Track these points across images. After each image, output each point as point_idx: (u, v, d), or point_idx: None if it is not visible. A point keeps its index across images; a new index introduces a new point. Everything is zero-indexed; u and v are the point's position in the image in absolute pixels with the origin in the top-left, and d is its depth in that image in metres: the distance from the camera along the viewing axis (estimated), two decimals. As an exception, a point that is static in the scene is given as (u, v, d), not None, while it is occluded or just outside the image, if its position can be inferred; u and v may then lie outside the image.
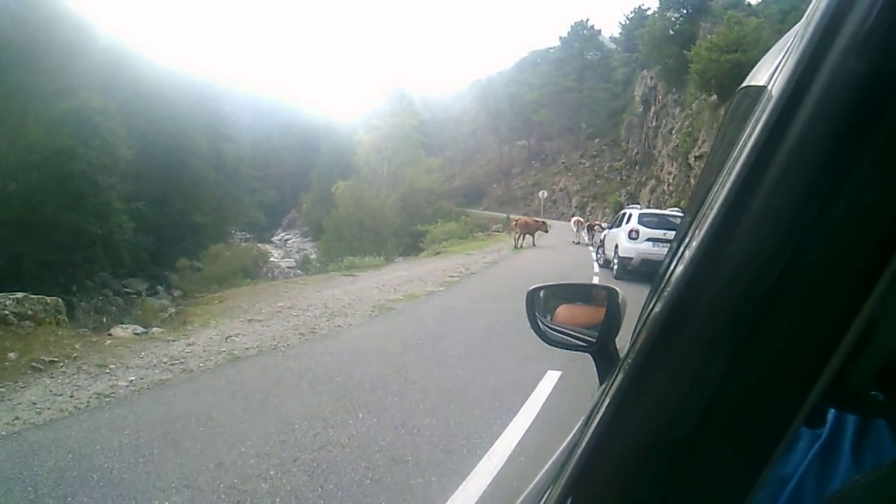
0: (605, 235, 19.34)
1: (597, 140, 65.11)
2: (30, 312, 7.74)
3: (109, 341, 7.79)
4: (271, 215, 75.73)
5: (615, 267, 15.98)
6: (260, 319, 9.44)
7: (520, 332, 8.30)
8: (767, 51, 0.57)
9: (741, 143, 0.40)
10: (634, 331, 0.49)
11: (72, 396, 5.64)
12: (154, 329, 9.21)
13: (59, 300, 8.49)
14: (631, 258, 15.01)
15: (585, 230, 28.08)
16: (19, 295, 7.89)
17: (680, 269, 0.41)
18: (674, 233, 0.63)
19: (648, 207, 19.61)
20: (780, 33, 0.59)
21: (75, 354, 6.99)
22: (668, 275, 0.44)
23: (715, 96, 31.43)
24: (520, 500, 0.83)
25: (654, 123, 46.79)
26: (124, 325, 9.47)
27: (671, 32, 42.54)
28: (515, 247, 24.97)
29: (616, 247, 16.03)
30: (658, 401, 0.41)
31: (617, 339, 1.19)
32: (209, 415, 5.07)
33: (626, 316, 1.18)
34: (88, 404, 5.41)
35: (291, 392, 5.76)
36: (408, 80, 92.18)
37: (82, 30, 35.46)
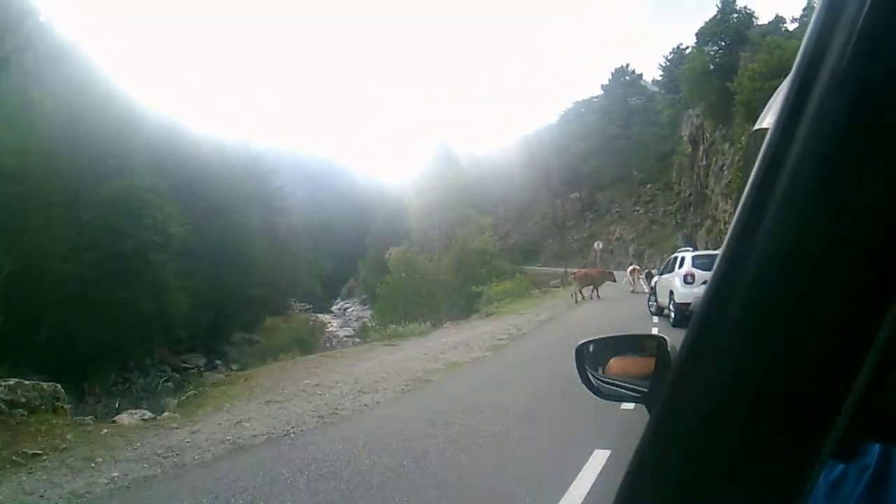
0: (655, 282, 18.57)
1: (648, 185, 63.88)
2: (23, 400, 7.21)
3: (106, 430, 7.18)
4: (330, 285, 76.28)
5: (672, 314, 15.17)
6: (279, 400, 8.71)
7: (566, 400, 7.56)
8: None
9: (748, 185, 0.41)
10: None
11: (42, 496, 5.10)
12: (166, 414, 8.63)
13: (57, 385, 7.95)
14: (689, 304, 14.14)
15: (644, 277, 27.08)
16: (12, 381, 7.41)
17: (701, 305, 0.42)
18: None
19: (699, 249, 18.61)
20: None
21: (64, 446, 6.40)
22: None
23: (764, 126, 30.20)
24: None
25: (704, 162, 45.55)
26: (133, 411, 8.92)
27: (711, 67, 41.78)
28: (575, 301, 24.21)
29: (671, 293, 15.29)
30: (684, 443, 0.42)
31: None
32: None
33: None
34: (55, 506, 4.80)
35: (284, 492, 5.02)
36: (455, 141, 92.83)
37: (133, 111, 36.73)
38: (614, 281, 25.91)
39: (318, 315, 56.04)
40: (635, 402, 1.22)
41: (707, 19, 45.05)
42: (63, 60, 32.70)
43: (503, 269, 40.32)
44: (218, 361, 33.34)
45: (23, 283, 24.17)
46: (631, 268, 28.66)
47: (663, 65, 62.70)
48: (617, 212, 64.19)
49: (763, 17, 44.68)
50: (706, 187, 44.24)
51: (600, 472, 5.14)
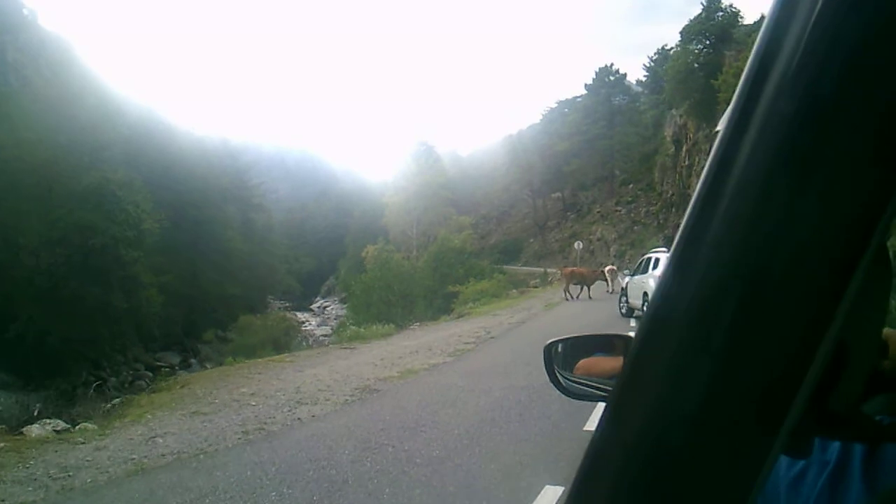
0: (627, 283, 18.28)
1: (631, 186, 63.67)
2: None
3: (3, 444, 6.61)
4: (310, 283, 75.88)
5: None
6: (206, 412, 8.05)
7: (522, 420, 7.04)
8: None
9: (699, 183, 0.41)
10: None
11: None
12: (84, 425, 8.07)
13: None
14: None
15: (621, 278, 26.91)
16: None
17: (653, 300, 0.43)
18: None
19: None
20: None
21: (-55, 465, 5.78)
22: None
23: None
24: None
25: (686, 162, 45.57)
26: (47, 421, 8.37)
27: (696, 65, 41.68)
28: (566, 299, 24.22)
29: (644, 294, 15.04)
30: (635, 430, 0.42)
31: None
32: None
33: None
34: None
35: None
36: (437, 140, 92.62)
37: (108, 104, 36.13)
38: (605, 281, 25.61)
39: (297, 313, 55.74)
40: (602, 402, 1.03)
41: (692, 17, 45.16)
42: (45, 53, 32.19)
43: (481, 268, 40.02)
44: (193, 360, 32.98)
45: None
46: (608, 268, 28.34)
47: (648, 65, 62.86)
48: (599, 212, 63.81)
49: (749, 17, 44.86)
50: (689, 188, 44.13)
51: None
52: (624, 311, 17.97)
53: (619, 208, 61.41)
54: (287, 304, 57.24)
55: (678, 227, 0.37)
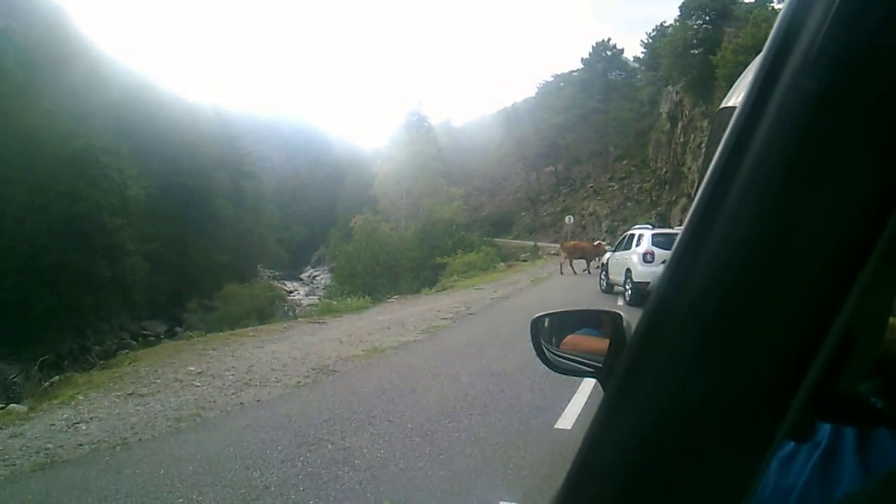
0: (608, 259, 18.10)
1: (625, 162, 63.25)
2: None
3: None
4: (301, 252, 75.96)
5: (629, 293, 14.90)
6: (144, 393, 7.39)
7: (486, 414, 6.31)
8: None
9: (713, 163, 0.41)
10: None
11: None
12: (15, 406, 7.54)
13: None
14: (647, 283, 13.68)
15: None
16: None
17: (659, 285, 0.42)
18: None
19: (671, 227, 18.19)
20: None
21: None
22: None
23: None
24: None
25: (681, 140, 45.15)
26: None
27: (694, 41, 41.12)
28: (562, 273, 24.21)
29: (628, 271, 14.99)
30: (636, 419, 0.42)
31: None
32: None
33: None
34: None
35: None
36: (431, 111, 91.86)
37: (97, 69, 35.54)
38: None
39: (287, 282, 55.81)
40: (590, 377, 1.21)
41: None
42: (37, 14, 31.62)
43: (470, 240, 39.74)
44: (179, 328, 32.83)
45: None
46: (596, 243, 28.02)
47: (646, 42, 62.09)
48: (592, 187, 63.50)
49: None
50: (683, 165, 43.92)
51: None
52: (604, 286, 17.93)
53: (612, 184, 61.11)
54: (277, 274, 57.31)
55: (671, 203, 0.37)
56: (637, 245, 15.05)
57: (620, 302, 15.56)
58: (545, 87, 78.82)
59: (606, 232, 52.08)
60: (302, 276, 69.47)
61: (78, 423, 6.30)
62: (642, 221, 22.56)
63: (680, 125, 46.28)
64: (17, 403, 8.31)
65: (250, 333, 12.40)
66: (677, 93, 46.96)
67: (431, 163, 45.01)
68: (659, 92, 56.11)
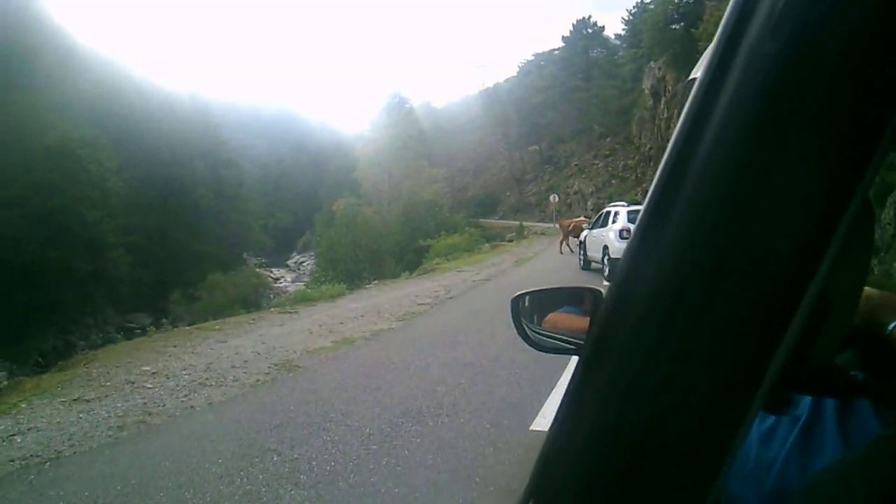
0: (585, 236, 18.19)
1: (609, 139, 62.95)
2: None
3: None
4: (287, 238, 75.54)
5: (606, 269, 15.07)
6: (91, 398, 6.83)
7: (455, 415, 5.70)
8: None
9: (675, 132, 0.40)
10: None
11: None
12: None
13: None
14: None
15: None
16: None
17: (624, 260, 0.42)
18: None
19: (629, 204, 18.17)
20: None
21: None
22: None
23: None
24: None
25: (665, 115, 44.99)
26: None
27: (675, 16, 40.92)
28: (560, 252, 23.91)
29: (605, 248, 15.13)
30: (608, 394, 0.41)
31: None
32: None
33: None
34: None
35: None
36: (412, 93, 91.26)
37: (71, 59, 34.96)
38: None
39: (274, 269, 55.49)
40: (571, 355, 1.13)
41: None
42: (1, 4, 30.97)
43: (455, 222, 39.60)
44: (164, 320, 32.60)
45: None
46: (578, 219, 27.83)
47: (627, 18, 61.80)
48: (576, 165, 63.26)
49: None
50: (667, 141, 43.08)
51: None
52: (582, 263, 18.13)
53: (596, 162, 60.95)
54: (264, 261, 56.94)
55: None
56: (613, 222, 15.22)
57: (606, 283, 15.37)
58: (526, 66, 78.49)
59: (592, 210, 51.96)
60: (289, 262, 69.14)
61: (14, 435, 5.73)
62: (628, 199, 22.55)
63: (663, 101, 46.09)
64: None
65: (216, 327, 11.77)
66: (660, 68, 46.72)
67: (412, 144, 44.88)
68: (640, 68, 55.87)
